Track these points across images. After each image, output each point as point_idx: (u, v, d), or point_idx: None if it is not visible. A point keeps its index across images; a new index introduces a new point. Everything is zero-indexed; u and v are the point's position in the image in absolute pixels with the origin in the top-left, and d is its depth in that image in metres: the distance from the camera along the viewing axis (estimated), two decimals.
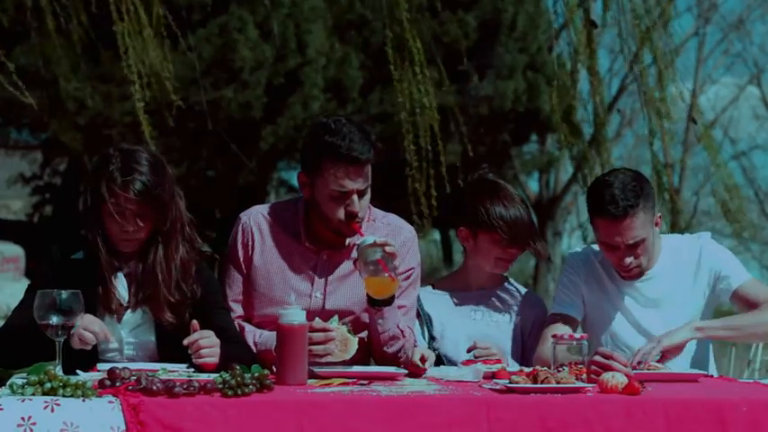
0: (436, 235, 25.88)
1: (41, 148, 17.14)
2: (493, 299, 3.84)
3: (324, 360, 3.24)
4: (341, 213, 3.44)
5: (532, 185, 24.11)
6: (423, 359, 3.36)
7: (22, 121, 14.76)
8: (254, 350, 3.48)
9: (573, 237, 32.49)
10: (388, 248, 3.30)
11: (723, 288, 3.70)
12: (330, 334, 3.25)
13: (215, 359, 3.15)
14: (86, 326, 3.10)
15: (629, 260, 3.59)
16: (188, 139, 13.31)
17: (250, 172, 14.71)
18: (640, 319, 3.68)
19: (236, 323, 3.55)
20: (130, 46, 6.23)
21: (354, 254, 3.43)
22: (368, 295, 3.42)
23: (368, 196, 3.49)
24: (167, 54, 6.47)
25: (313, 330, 3.20)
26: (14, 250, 14.21)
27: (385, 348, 3.53)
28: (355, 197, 3.43)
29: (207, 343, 3.15)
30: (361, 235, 3.44)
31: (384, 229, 3.62)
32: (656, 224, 3.64)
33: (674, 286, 3.69)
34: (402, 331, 3.54)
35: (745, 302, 3.66)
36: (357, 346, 3.31)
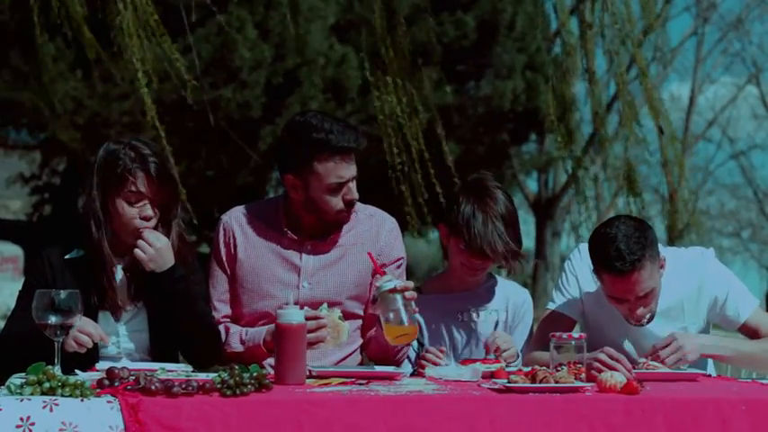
0: (434, 235, 25.90)
1: (40, 148, 17.14)
2: (477, 298, 3.81)
3: (316, 347, 3.25)
4: (339, 204, 3.48)
5: (531, 185, 24.13)
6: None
7: (21, 120, 14.76)
8: (242, 348, 3.48)
9: (572, 237, 32.52)
10: (408, 294, 3.24)
11: (730, 318, 3.67)
12: (321, 321, 3.27)
13: (148, 253, 3.31)
14: (81, 328, 3.11)
15: (640, 311, 3.50)
16: (187, 139, 13.31)
17: (249, 172, 14.71)
18: (653, 329, 3.63)
19: (222, 325, 3.58)
20: (134, 35, 6.22)
21: (374, 291, 3.38)
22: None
23: (356, 180, 3.53)
24: (170, 49, 6.47)
25: (306, 319, 3.22)
26: (13, 250, 14.24)
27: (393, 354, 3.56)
28: (351, 183, 3.47)
29: (150, 237, 3.30)
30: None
31: (368, 221, 3.65)
32: (661, 266, 3.54)
33: (680, 298, 3.66)
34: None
35: (753, 334, 3.66)
36: (348, 333, 3.34)
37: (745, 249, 33.49)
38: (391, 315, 3.22)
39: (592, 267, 3.56)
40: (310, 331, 3.20)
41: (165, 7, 7.39)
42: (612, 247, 3.42)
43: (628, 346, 3.66)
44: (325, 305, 3.36)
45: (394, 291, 3.22)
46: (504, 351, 3.53)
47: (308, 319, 3.19)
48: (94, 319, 3.32)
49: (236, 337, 3.52)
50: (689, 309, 3.66)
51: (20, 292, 3.40)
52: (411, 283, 3.32)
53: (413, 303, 3.26)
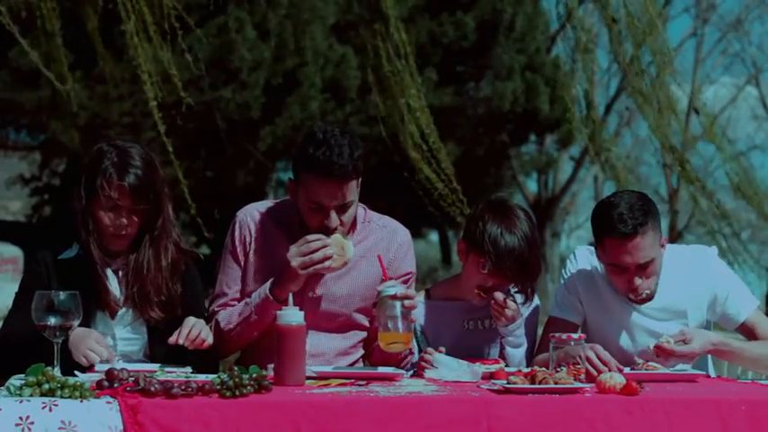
0: (434, 236, 25.90)
1: (40, 149, 17.15)
2: (486, 308, 3.72)
3: (326, 265, 3.30)
4: (317, 225, 3.42)
5: (531, 186, 24.14)
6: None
7: (21, 121, 14.77)
8: (252, 313, 3.44)
9: (572, 237, 32.54)
10: (407, 302, 3.22)
11: (730, 316, 3.68)
12: (326, 240, 3.30)
13: (210, 339, 3.25)
14: (93, 347, 3.12)
15: (638, 281, 3.50)
16: (187, 140, 13.31)
17: (249, 172, 14.72)
18: (654, 327, 3.63)
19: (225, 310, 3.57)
20: (138, 45, 6.22)
21: (377, 295, 3.34)
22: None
23: (351, 210, 3.45)
24: (169, 54, 6.48)
25: (309, 241, 3.29)
26: (13, 251, 14.24)
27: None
28: (333, 213, 3.39)
29: (195, 330, 3.23)
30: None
31: (380, 231, 3.61)
32: (662, 245, 3.56)
33: (683, 296, 3.67)
34: (410, 349, 3.56)
35: (751, 335, 3.66)
36: (353, 248, 3.38)
37: (744, 250, 33.47)
38: (387, 321, 3.21)
39: (594, 242, 3.58)
40: (316, 250, 3.26)
41: (165, 8, 7.38)
42: (616, 212, 3.47)
43: (627, 346, 3.66)
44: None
45: (394, 297, 3.21)
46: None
47: (313, 240, 3.25)
48: (93, 319, 3.32)
49: (237, 310, 3.50)
50: (691, 306, 3.67)
51: (16, 293, 3.40)
52: (413, 292, 3.30)
53: (412, 313, 3.25)
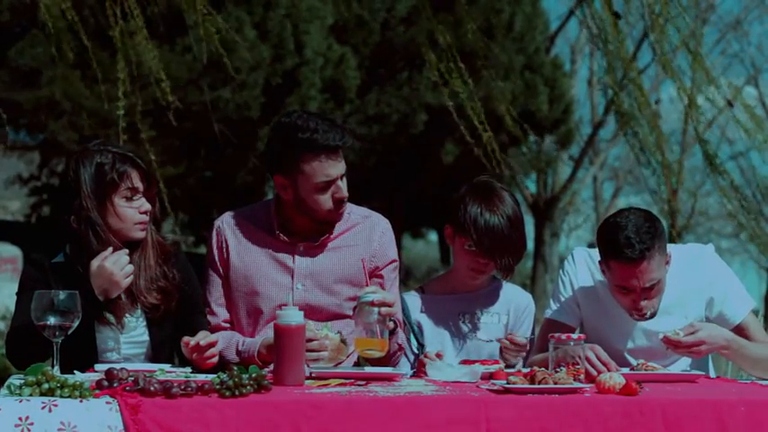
0: (434, 236, 25.92)
1: (39, 149, 17.13)
2: (480, 300, 3.80)
3: (314, 363, 3.27)
4: (329, 202, 3.48)
5: (530, 186, 24.13)
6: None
7: (20, 121, 14.75)
8: (238, 359, 3.48)
9: (571, 237, 32.56)
10: (384, 310, 3.25)
11: (726, 317, 3.67)
12: (325, 343, 3.29)
13: (217, 358, 3.26)
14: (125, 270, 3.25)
15: (644, 303, 3.51)
16: (186, 140, 13.31)
17: (248, 172, 14.71)
18: (653, 327, 3.63)
19: (220, 332, 3.57)
20: (153, 50, 6.24)
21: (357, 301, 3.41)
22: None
23: (345, 178, 3.53)
24: (163, 55, 6.47)
25: (309, 340, 3.24)
26: (12, 251, 14.23)
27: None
28: (339, 182, 3.47)
29: (209, 343, 3.23)
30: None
31: (362, 222, 3.64)
32: (667, 263, 3.57)
33: (681, 295, 3.67)
34: (400, 345, 3.58)
35: (742, 336, 3.66)
36: (347, 354, 3.37)
37: (744, 251, 33.49)
38: (364, 327, 3.25)
39: (599, 258, 3.57)
40: (313, 350, 3.23)
41: (165, 8, 7.38)
42: (623, 235, 3.45)
43: (627, 347, 3.66)
44: (328, 324, 3.38)
45: (372, 304, 3.24)
46: (516, 349, 3.54)
47: (313, 339, 3.23)
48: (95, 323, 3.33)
49: (232, 348, 3.52)
50: (689, 305, 3.67)
51: (18, 293, 3.39)
52: (391, 298, 3.31)
53: (388, 320, 3.27)
